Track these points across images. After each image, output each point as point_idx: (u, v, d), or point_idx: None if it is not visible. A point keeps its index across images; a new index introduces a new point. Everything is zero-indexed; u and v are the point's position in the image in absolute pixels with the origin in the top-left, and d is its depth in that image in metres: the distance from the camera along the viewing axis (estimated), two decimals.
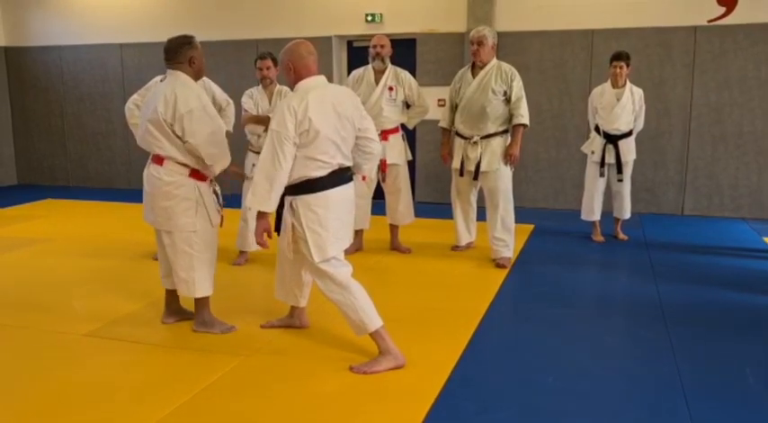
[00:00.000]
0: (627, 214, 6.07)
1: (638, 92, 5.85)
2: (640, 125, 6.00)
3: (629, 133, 5.87)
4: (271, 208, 3.21)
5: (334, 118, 3.21)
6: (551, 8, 7.34)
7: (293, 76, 3.30)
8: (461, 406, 2.93)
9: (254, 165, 5.06)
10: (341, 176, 3.31)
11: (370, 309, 3.29)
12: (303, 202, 3.24)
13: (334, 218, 3.28)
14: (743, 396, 3.03)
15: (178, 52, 3.55)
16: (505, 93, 4.99)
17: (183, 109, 3.43)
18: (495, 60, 5.08)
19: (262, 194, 3.16)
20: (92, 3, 9.09)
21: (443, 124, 5.36)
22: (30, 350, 3.58)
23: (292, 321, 3.82)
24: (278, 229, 3.42)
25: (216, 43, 8.10)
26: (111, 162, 9.41)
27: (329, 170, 3.25)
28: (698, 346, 3.63)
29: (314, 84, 3.27)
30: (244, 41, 8.21)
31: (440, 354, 3.47)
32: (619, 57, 5.76)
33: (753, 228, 6.64)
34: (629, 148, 5.87)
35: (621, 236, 6.10)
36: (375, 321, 3.28)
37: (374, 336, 3.29)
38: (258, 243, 3.30)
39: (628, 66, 5.75)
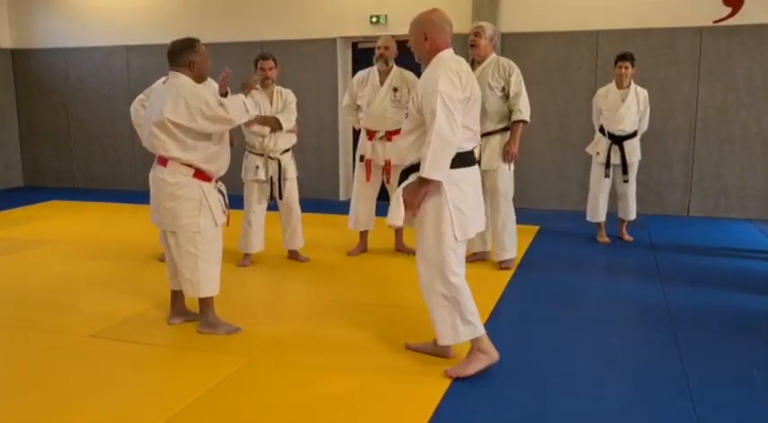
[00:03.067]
0: (632, 215, 6.05)
1: (643, 93, 5.84)
2: (645, 126, 5.99)
3: (634, 134, 5.86)
4: (444, 176, 2.96)
5: (479, 90, 3.17)
6: (556, 9, 7.34)
7: (427, 48, 3.10)
8: (467, 407, 2.92)
9: (258, 167, 5.06)
10: (474, 155, 3.20)
11: (475, 317, 3.16)
12: (450, 176, 3.00)
13: (474, 197, 3.15)
14: (750, 398, 3.02)
15: (179, 55, 3.57)
16: (504, 88, 4.84)
17: (197, 102, 3.44)
18: (493, 55, 4.94)
19: (441, 161, 2.91)
20: (97, 5, 9.12)
21: None
22: (36, 351, 3.59)
23: (437, 350, 3.40)
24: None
25: (221, 45, 8.11)
26: (117, 164, 9.43)
27: (474, 145, 3.14)
28: (704, 347, 3.61)
29: (455, 57, 3.11)
30: (248, 43, 8.22)
31: None
32: (624, 57, 5.75)
33: (759, 229, 6.61)
34: (633, 149, 5.86)
35: (627, 237, 6.08)
36: (472, 330, 3.16)
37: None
38: (411, 210, 3.05)
39: (632, 66, 5.74)
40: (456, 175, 3.02)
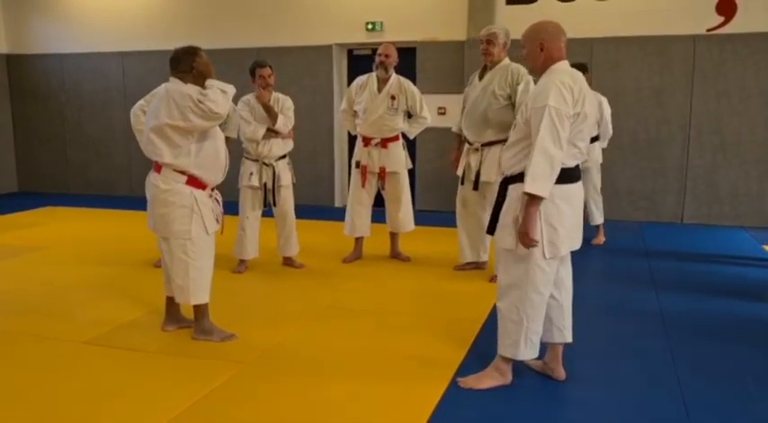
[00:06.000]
0: (596, 220, 6.14)
1: (601, 99, 5.92)
2: (609, 131, 6.14)
3: (595, 138, 5.97)
4: (548, 193, 2.84)
5: (594, 106, 3.06)
6: (551, 16, 7.28)
7: (542, 58, 3.02)
8: (462, 413, 2.92)
9: (251, 173, 5.08)
10: (579, 170, 3.12)
11: (537, 338, 3.10)
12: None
13: (572, 214, 3.03)
14: (744, 405, 3.03)
15: (181, 61, 3.59)
16: (510, 96, 4.67)
17: (184, 101, 3.43)
18: (506, 61, 4.76)
19: (543, 177, 2.81)
20: (93, 11, 9.13)
21: (455, 129, 5.16)
22: (30, 357, 3.58)
23: (545, 368, 3.36)
24: (492, 229, 3.14)
25: (217, 51, 8.10)
26: (112, 169, 9.42)
27: (579, 161, 3.05)
28: (698, 354, 3.63)
29: (570, 69, 3.01)
30: (245, 50, 8.23)
31: (441, 360, 3.46)
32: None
33: (753, 236, 6.64)
34: (590, 153, 5.97)
35: (598, 239, 6.18)
36: (530, 353, 3.12)
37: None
38: (527, 243, 2.91)
39: (584, 73, 5.84)
40: (553, 191, 2.89)
